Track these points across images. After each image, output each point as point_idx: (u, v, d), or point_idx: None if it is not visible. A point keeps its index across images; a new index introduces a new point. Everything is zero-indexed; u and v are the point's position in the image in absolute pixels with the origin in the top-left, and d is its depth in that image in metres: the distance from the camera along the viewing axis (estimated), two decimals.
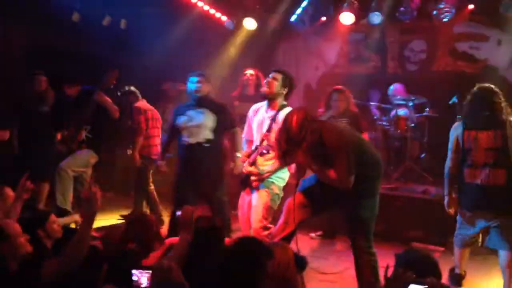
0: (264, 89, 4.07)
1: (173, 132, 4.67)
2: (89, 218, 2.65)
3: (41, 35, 6.31)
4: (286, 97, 4.11)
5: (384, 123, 6.53)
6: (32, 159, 4.97)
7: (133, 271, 2.17)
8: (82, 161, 4.94)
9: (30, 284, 2.45)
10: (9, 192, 3.60)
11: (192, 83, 4.53)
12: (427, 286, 1.85)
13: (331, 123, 3.77)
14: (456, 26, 6.95)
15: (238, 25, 7.39)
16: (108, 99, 5.02)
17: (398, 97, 6.53)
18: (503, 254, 3.70)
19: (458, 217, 3.96)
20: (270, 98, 4.07)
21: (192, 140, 4.45)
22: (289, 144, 3.38)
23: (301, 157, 3.39)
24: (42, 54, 6.25)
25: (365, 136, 5.29)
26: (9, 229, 2.62)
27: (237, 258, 1.99)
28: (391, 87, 6.64)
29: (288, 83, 4.07)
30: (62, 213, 4.50)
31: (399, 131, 6.47)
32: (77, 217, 4.34)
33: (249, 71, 5.87)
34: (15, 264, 2.53)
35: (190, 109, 4.52)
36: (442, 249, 4.99)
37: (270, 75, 4.09)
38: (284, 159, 3.54)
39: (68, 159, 4.88)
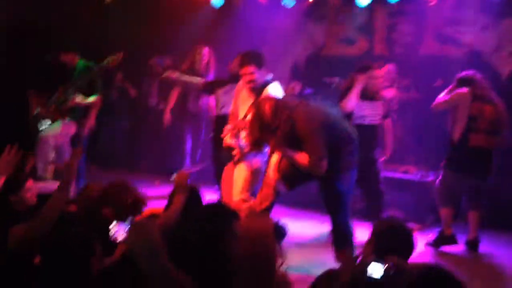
0: (250, 86, 4.08)
1: None
2: (64, 186, 2.67)
3: (24, 9, 6.22)
4: (266, 71, 4.13)
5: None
6: None
7: (112, 224, 2.21)
8: (64, 131, 4.94)
9: None
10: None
11: None
12: (386, 264, 1.91)
13: (303, 106, 3.80)
14: (444, 10, 6.98)
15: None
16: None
17: (387, 78, 6.56)
18: None
19: None
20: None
21: None
22: (262, 132, 3.43)
23: (274, 144, 3.45)
24: (25, 27, 6.18)
25: None
26: None
27: (203, 219, 2.07)
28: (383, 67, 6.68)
29: (260, 63, 4.07)
30: (41, 180, 4.50)
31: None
32: (55, 184, 4.34)
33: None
34: None
35: None
36: (419, 226, 5.13)
37: (242, 71, 4.09)
38: (256, 147, 3.61)
39: (50, 128, 4.86)
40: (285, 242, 2.48)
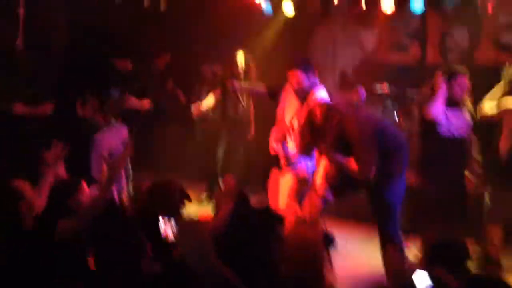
0: (296, 91, 4.07)
1: None
2: (106, 184, 2.76)
3: (83, 13, 6.47)
4: (316, 76, 4.11)
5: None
6: None
7: (161, 224, 2.27)
8: (117, 135, 5.07)
9: (45, 241, 2.56)
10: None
11: None
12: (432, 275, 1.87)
13: (354, 111, 3.79)
14: (500, 16, 6.74)
15: (275, 10, 7.38)
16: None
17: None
18: None
19: None
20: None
21: None
22: (313, 136, 3.42)
23: (324, 149, 3.43)
24: (83, 31, 6.43)
25: None
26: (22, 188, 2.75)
27: (249, 222, 2.09)
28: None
29: (310, 68, 4.05)
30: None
31: None
32: None
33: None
34: (30, 221, 2.66)
35: None
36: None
37: (290, 76, 4.06)
38: (306, 151, 3.59)
39: (103, 132, 5.01)
40: (334, 251, 2.47)
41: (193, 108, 5.88)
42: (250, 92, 5.55)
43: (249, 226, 2.28)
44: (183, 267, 1.87)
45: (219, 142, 6.07)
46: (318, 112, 3.41)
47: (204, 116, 5.93)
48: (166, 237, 2.31)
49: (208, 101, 5.98)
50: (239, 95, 5.81)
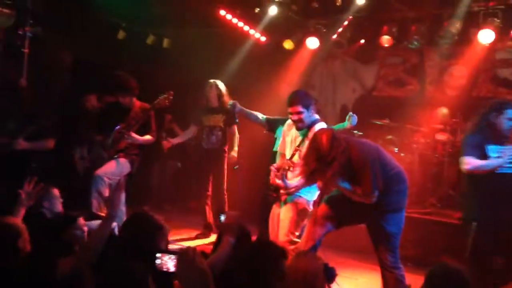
0: (298, 126, 4.09)
1: None
2: (108, 220, 2.76)
3: (88, 51, 6.59)
4: (315, 111, 4.14)
5: (421, 147, 6.46)
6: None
7: (158, 255, 2.24)
8: (118, 170, 5.08)
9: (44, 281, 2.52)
10: (56, 193, 3.80)
11: None
12: None
13: (354, 139, 3.82)
14: (497, 52, 6.85)
15: (278, 45, 7.52)
16: (153, 119, 5.20)
17: (439, 121, 6.48)
18: None
19: None
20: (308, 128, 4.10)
21: None
22: (319, 163, 3.41)
23: (329, 176, 3.42)
24: (88, 68, 6.53)
25: None
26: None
27: (251, 257, 2.06)
28: (443, 110, 6.59)
29: (308, 103, 4.07)
30: (97, 219, 4.62)
31: (436, 155, 6.38)
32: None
33: (210, 82, 5.88)
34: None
35: None
36: None
37: (290, 110, 4.05)
38: (311, 178, 3.57)
39: (105, 166, 5.02)
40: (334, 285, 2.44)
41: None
42: (249, 118, 5.45)
43: (252, 260, 2.25)
44: None
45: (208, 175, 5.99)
46: (324, 139, 3.40)
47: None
48: (166, 269, 2.27)
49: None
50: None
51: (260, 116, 5.21)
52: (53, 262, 2.57)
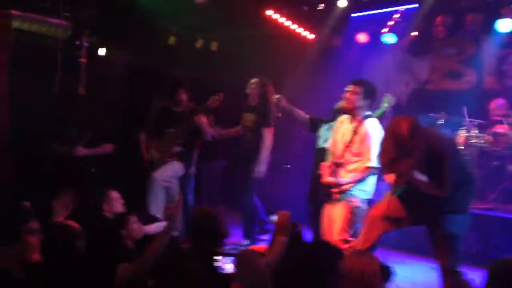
0: (341, 104, 4.05)
1: None
2: (166, 232, 2.82)
3: (140, 57, 6.79)
4: (370, 107, 4.07)
5: (481, 140, 6.21)
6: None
7: (217, 257, 2.27)
8: (173, 173, 5.19)
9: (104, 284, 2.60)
10: (115, 195, 3.95)
11: None
12: None
13: (433, 129, 3.66)
14: None
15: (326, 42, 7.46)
16: (205, 121, 5.24)
17: (498, 112, 6.21)
18: None
19: None
20: (350, 112, 4.04)
21: None
22: (399, 151, 3.27)
23: (409, 165, 3.27)
24: (141, 74, 6.73)
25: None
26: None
27: (308, 257, 2.04)
28: (494, 101, 6.34)
29: (368, 93, 4.02)
30: (155, 221, 4.74)
31: (497, 149, 6.12)
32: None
33: (253, 80, 5.53)
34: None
35: None
36: None
37: (348, 88, 4.03)
38: (391, 167, 3.40)
39: (161, 170, 5.15)
40: (393, 285, 2.39)
41: None
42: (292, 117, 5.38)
43: (309, 260, 2.23)
44: None
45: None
46: (404, 126, 3.22)
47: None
48: (225, 271, 2.30)
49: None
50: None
51: (304, 114, 5.19)
52: (113, 267, 2.66)
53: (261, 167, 5.33)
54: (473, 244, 5.00)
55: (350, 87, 4.01)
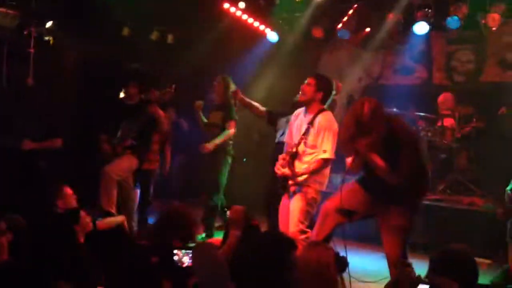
0: (298, 96, 4.12)
1: None
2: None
3: (93, 48, 6.61)
4: (325, 102, 4.13)
5: (429, 134, 6.43)
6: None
7: (175, 251, 2.25)
8: (126, 166, 5.10)
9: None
10: (68, 190, 3.86)
11: None
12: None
13: (396, 117, 3.73)
14: (504, 36, 6.78)
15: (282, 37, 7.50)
16: (160, 112, 5.19)
17: (445, 106, 6.43)
18: None
19: None
20: (306, 104, 4.11)
21: None
22: (358, 129, 3.32)
23: (365, 144, 3.30)
24: (93, 65, 6.56)
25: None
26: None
27: (260, 249, 2.05)
28: (442, 96, 6.56)
29: (323, 86, 4.09)
30: (107, 215, 4.66)
31: (445, 142, 6.35)
32: (120, 218, 4.49)
33: (216, 79, 5.65)
34: None
35: None
36: (489, 261, 4.83)
37: (306, 81, 4.13)
38: (348, 145, 3.43)
39: (113, 163, 5.04)
40: (346, 275, 2.44)
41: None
42: (251, 109, 5.43)
43: (262, 252, 2.24)
44: None
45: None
46: (366, 106, 3.29)
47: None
48: (182, 264, 2.28)
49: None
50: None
51: (261, 107, 5.22)
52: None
53: (211, 146, 5.42)
54: (423, 234, 5.17)
55: (308, 79, 4.10)
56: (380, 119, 3.30)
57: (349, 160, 3.59)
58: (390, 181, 3.34)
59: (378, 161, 3.34)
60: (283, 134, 4.94)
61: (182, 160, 7.72)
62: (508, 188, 3.69)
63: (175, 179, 7.70)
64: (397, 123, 3.42)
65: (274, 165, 4.23)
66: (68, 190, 3.98)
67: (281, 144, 4.75)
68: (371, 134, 3.26)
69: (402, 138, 3.34)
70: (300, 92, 4.17)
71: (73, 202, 3.95)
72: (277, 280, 1.95)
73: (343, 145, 3.55)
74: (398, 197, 3.43)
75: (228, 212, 3.03)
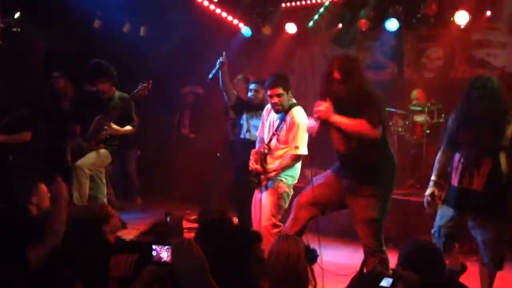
0: (276, 108, 4.10)
1: None
2: (61, 203, 2.80)
3: (62, 40, 6.49)
4: (290, 93, 4.15)
5: (400, 129, 6.53)
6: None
7: (153, 246, 2.23)
8: (99, 161, 5.03)
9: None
10: (44, 189, 3.75)
11: (250, 91, 4.87)
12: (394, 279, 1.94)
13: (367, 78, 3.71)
14: (473, 33, 6.93)
15: (256, 32, 7.50)
16: (133, 109, 5.15)
17: (414, 102, 6.54)
18: None
19: None
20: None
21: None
22: (327, 85, 3.33)
23: (339, 93, 3.29)
24: (63, 58, 6.43)
25: None
26: None
27: (225, 245, 2.04)
28: (414, 92, 6.66)
29: (286, 85, 4.10)
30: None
31: (415, 137, 6.47)
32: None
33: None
34: None
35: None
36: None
37: (270, 93, 4.06)
38: (325, 92, 3.38)
39: (86, 157, 4.97)
40: (317, 268, 2.46)
41: None
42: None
43: (226, 248, 2.20)
44: None
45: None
46: (335, 63, 3.30)
47: None
48: (160, 259, 2.25)
49: None
50: None
51: (234, 91, 5.21)
52: (21, 253, 2.54)
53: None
54: (392, 228, 5.26)
55: (272, 93, 4.04)
56: (359, 68, 3.37)
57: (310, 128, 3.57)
58: (366, 135, 3.30)
59: (343, 120, 3.31)
60: (247, 131, 4.95)
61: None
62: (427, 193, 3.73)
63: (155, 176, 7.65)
64: (367, 81, 3.44)
65: (239, 160, 4.25)
66: (43, 187, 3.84)
67: (245, 140, 4.79)
68: (346, 82, 3.26)
69: (368, 93, 3.34)
70: (273, 104, 4.11)
71: (47, 201, 3.83)
72: (245, 272, 1.94)
73: (322, 94, 3.45)
74: (368, 184, 3.48)
75: (168, 219, 2.93)
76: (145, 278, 2.15)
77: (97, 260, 2.59)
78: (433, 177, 3.77)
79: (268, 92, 4.06)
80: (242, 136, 5.06)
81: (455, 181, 3.62)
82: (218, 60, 4.91)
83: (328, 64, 3.47)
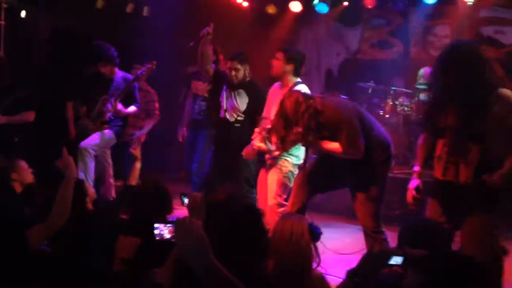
0: (276, 73, 4.10)
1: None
2: (68, 182, 2.77)
3: (65, 21, 6.45)
4: (298, 73, 4.11)
5: (406, 108, 6.48)
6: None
7: (156, 225, 2.24)
8: (103, 142, 5.04)
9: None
10: (24, 165, 3.75)
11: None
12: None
13: (331, 99, 3.77)
14: (481, 10, 6.82)
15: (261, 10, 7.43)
16: (136, 90, 5.15)
17: (421, 81, 6.47)
18: None
19: None
20: (279, 78, 4.10)
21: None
22: (287, 129, 3.39)
23: (292, 139, 3.39)
24: (66, 39, 6.40)
25: None
26: None
27: (230, 218, 2.03)
28: (421, 70, 6.58)
29: (293, 57, 4.06)
30: None
31: (421, 116, 6.40)
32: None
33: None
34: None
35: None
36: None
37: (275, 58, 4.10)
38: (283, 145, 3.53)
39: (90, 138, 4.97)
40: (320, 246, 2.46)
41: None
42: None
43: (226, 226, 2.19)
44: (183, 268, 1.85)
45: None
46: (288, 102, 3.34)
47: None
48: (162, 237, 2.26)
49: None
50: None
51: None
52: (21, 235, 2.55)
53: None
54: (397, 207, 5.26)
55: (277, 55, 4.10)
56: (303, 111, 3.33)
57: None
58: (350, 157, 3.41)
59: (328, 145, 3.42)
60: (226, 110, 4.76)
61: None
62: None
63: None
64: (328, 107, 3.44)
65: (217, 141, 4.25)
66: (24, 164, 3.83)
67: (224, 120, 4.70)
68: (299, 127, 3.32)
69: (337, 118, 3.39)
70: (275, 72, 4.11)
71: (29, 176, 3.82)
72: (257, 244, 1.95)
73: (278, 146, 3.61)
74: (361, 169, 3.48)
75: (185, 200, 2.90)
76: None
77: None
78: (416, 167, 3.21)
79: (272, 60, 4.09)
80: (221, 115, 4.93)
81: (438, 173, 3.04)
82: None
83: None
